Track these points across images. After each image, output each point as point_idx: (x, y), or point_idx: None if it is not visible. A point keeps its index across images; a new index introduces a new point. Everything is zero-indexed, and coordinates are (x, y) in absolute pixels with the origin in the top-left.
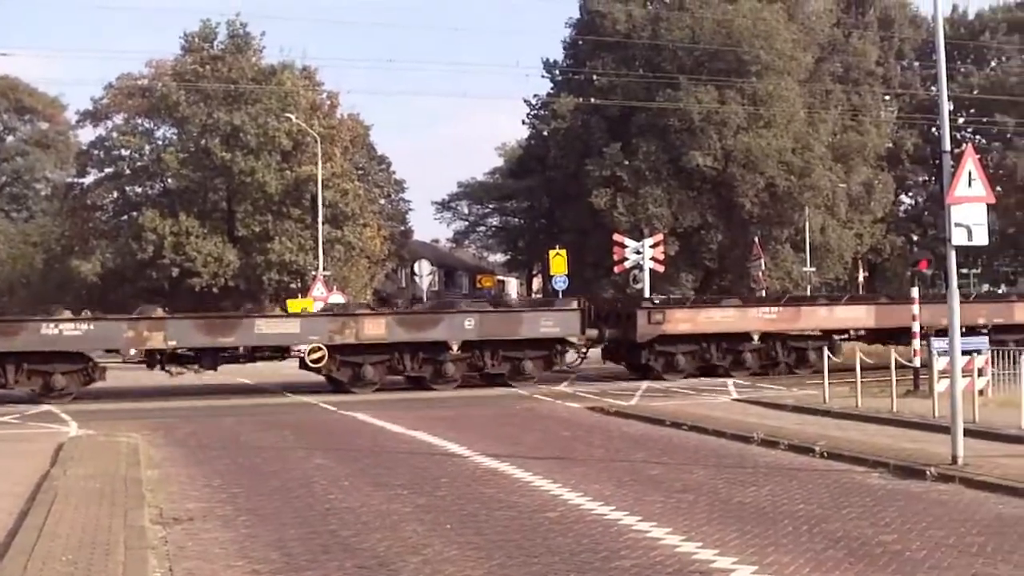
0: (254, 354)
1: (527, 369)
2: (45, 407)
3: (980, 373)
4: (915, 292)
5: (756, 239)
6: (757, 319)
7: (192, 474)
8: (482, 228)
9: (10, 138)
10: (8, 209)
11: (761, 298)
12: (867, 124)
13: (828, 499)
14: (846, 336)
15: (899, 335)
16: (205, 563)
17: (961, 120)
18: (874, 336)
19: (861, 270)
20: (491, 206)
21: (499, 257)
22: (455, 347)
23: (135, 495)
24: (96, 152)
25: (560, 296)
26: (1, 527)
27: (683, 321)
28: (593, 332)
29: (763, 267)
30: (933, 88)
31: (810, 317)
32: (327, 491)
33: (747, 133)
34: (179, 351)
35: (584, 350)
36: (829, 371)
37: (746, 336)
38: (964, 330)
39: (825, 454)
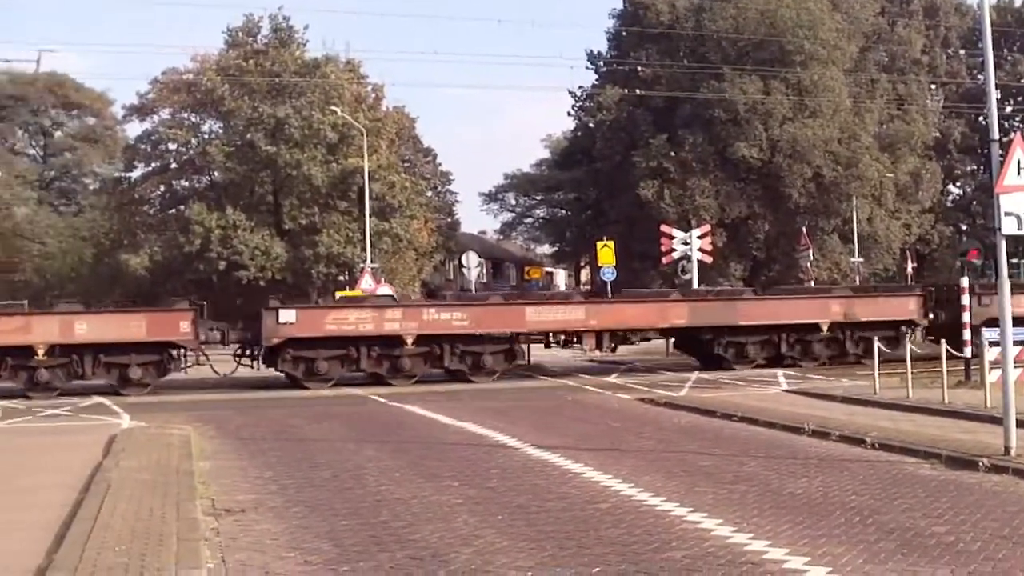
0: None
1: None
2: (97, 399)
3: None
4: (964, 282)
5: (803, 229)
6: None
7: (244, 466)
8: (529, 219)
9: (58, 133)
10: (57, 203)
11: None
12: (913, 113)
13: (880, 490)
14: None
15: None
16: (257, 554)
17: (1009, 109)
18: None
19: (910, 260)
20: (538, 197)
21: (546, 248)
22: (824, 328)
23: (187, 487)
24: (143, 146)
25: (608, 288)
26: (55, 518)
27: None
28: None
29: (811, 257)
30: (980, 77)
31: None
32: (378, 482)
33: (793, 123)
34: None
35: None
36: (882, 362)
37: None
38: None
39: (876, 445)
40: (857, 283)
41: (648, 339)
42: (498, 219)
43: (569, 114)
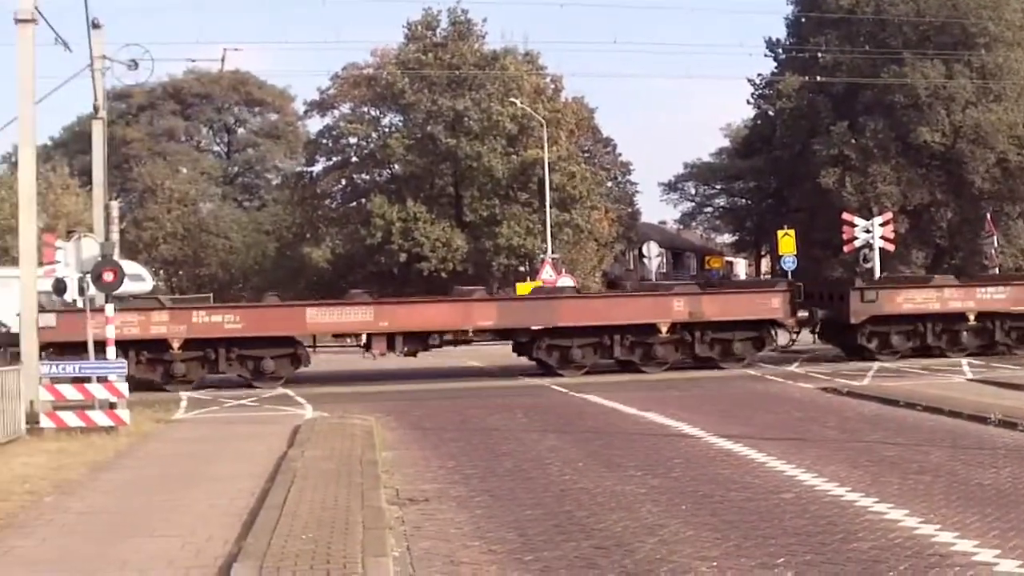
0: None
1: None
2: (281, 390)
3: None
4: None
5: (988, 216)
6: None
7: (426, 456)
8: (709, 209)
9: (241, 130)
10: (241, 198)
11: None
12: None
13: None
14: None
15: None
16: (442, 542)
17: None
18: None
19: None
20: (718, 187)
21: (726, 238)
22: (664, 329)
23: (371, 476)
24: (324, 141)
25: (789, 276)
26: (243, 506)
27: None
28: (803, 314)
29: (995, 244)
30: None
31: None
32: (561, 472)
33: (976, 107)
34: None
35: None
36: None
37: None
38: None
39: None
40: None
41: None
42: (678, 209)
43: (748, 102)
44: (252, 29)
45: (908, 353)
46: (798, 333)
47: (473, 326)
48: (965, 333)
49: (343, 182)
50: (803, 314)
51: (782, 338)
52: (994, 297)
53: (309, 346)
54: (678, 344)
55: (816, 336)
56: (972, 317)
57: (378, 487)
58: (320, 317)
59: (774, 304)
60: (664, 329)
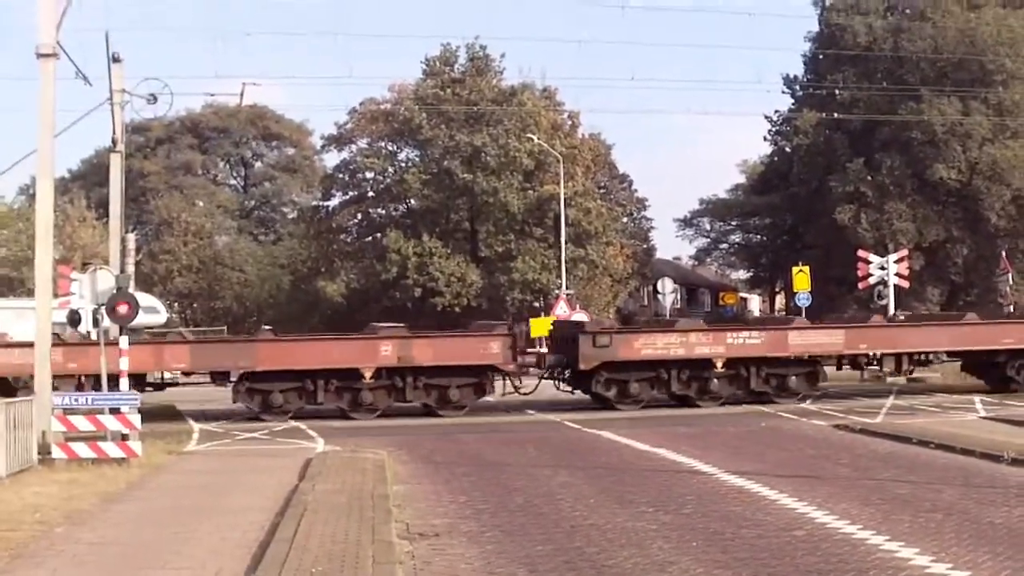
0: None
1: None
2: (293, 423)
3: None
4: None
5: (1003, 253)
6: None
7: (438, 490)
8: (724, 245)
9: (258, 164)
10: (257, 232)
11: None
12: None
13: None
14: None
15: None
16: None
17: None
18: None
19: None
20: (733, 223)
21: (741, 274)
22: (367, 375)
23: (382, 510)
24: (340, 175)
25: (803, 314)
26: (253, 539)
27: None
28: (530, 359)
29: (1011, 282)
30: None
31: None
32: (572, 508)
33: (993, 144)
34: None
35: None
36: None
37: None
38: None
39: None
40: None
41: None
42: (693, 245)
43: (765, 139)
44: (271, 64)
45: (651, 402)
46: (542, 379)
47: (166, 367)
48: (715, 380)
49: (359, 216)
50: (529, 359)
51: (509, 385)
52: (747, 343)
53: None
54: (389, 390)
55: (558, 383)
56: (720, 364)
57: (389, 521)
58: None
59: (493, 349)
60: (368, 375)
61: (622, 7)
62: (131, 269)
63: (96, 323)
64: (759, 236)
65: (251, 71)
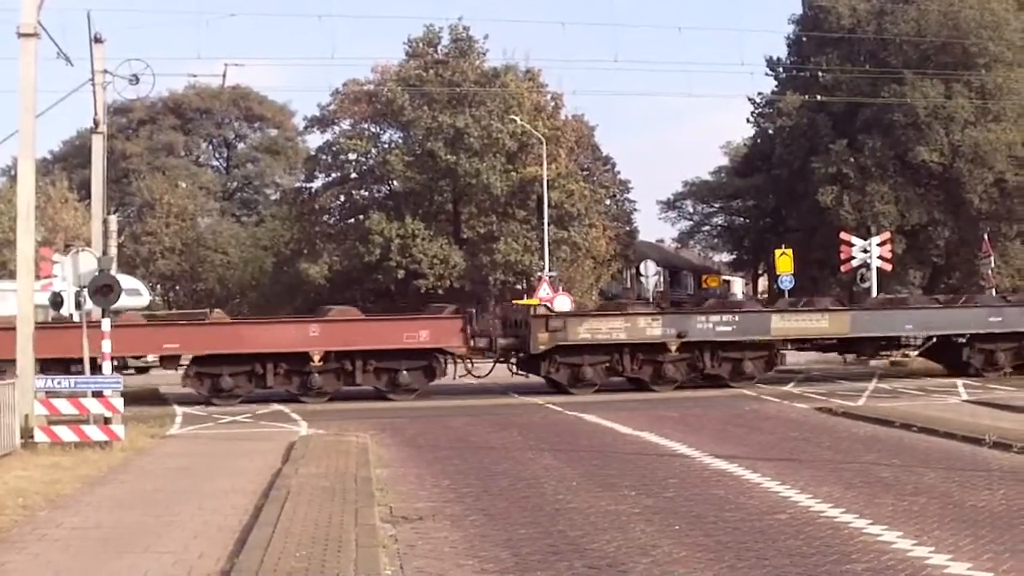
0: None
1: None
2: (276, 407)
3: None
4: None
5: (985, 236)
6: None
7: (421, 474)
8: (707, 227)
9: (241, 145)
10: (239, 214)
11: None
12: None
13: None
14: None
15: None
16: (435, 561)
17: None
18: None
19: None
20: (716, 205)
21: (724, 257)
22: (316, 358)
23: (365, 494)
24: (323, 157)
25: (786, 295)
26: (236, 523)
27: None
28: (482, 343)
29: (992, 265)
30: None
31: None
32: (556, 491)
33: (975, 127)
34: None
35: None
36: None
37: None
38: None
39: None
40: None
41: None
42: (676, 227)
43: (748, 120)
44: (253, 45)
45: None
46: (496, 363)
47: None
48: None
49: (342, 198)
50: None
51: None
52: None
53: None
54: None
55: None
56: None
57: (372, 505)
58: None
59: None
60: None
61: None
62: (113, 251)
63: (78, 305)
64: (742, 218)
65: (234, 52)
